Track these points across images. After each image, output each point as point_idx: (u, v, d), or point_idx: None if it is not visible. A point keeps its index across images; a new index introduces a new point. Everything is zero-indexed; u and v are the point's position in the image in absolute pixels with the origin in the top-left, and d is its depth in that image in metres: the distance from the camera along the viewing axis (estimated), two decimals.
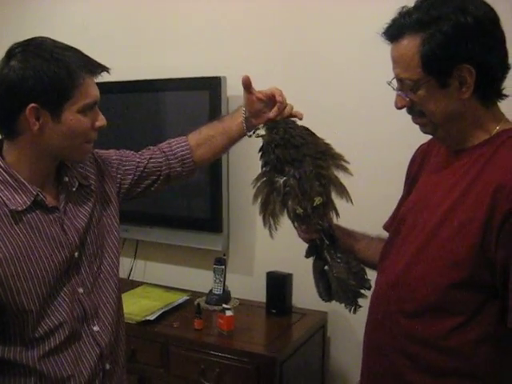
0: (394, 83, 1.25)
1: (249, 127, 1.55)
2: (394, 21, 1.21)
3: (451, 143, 1.28)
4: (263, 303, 2.35)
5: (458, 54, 1.15)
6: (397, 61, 1.22)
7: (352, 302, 1.47)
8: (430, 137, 1.36)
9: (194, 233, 2.51)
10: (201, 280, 2.57)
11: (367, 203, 2.10)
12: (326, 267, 1.49)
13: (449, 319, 1.17)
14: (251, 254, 2.51)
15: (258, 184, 1.47)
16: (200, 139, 1.60)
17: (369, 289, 1.45)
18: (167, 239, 2.61)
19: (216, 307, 2.31)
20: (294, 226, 1.50)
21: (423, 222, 1.26)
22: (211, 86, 2.35)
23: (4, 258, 1.22)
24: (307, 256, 1.55)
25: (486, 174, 1.17)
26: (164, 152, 1.58)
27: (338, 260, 1.47)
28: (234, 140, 1.60)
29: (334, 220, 1.50)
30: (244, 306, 2.39)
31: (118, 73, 2.46)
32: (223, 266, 2.39)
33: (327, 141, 1.50)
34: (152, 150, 1.59)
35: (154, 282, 2.67)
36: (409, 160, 1.48)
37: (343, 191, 1.45)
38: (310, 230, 1.49)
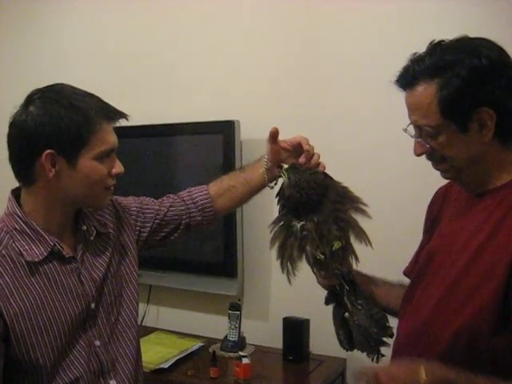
0: (410, 130, 1.24)
1: (270, 178, 1.53)
2: (407, 68, 1.20)
3: (473, 187, 1.26)
4: (279, 349, 2.29)
5: (477, 98, 1.14)
6: (413, 108, 1.21)
7: (374, 351, 1.43)
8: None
9: (208, 277, 2.47)
10: (215, 326, 2.52)
11: (386, 247, 2.05)
12: (346, 314, 1.45)
13: (478, 367, 1.13)
14: (267, 298, 2.46)
15: (275, 228, 1.44)
16: (221, 189, 1.58)
17: (391, 337, 1.41)
18: (180, 284, 2.57)
19: (231, 354, 2.26)
20: (313, 271, 1.47)
21: (447, 267, 1.22)
22: (225, 130, 2.35)
23: (20, 312, 1.19)
24: (327, 303, 1.52)
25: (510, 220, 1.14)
26: (184, 200, 1.56)
27: (359, 307, 1.44)
28: (254, 190, 1.58)
29: (354, 265, 1.47)
30: (260, 353, 2.33)
31: (131, 118, 2.54)
32: (238, 312, 2.34)
33: (345, 184, 1.48)
34: (172, 197, 1.58)
35: (168, 328, 2.62)
36: (428, 203, 1.46)
37: (362, 235, 1.42)
38: (330, 276, 1.45)
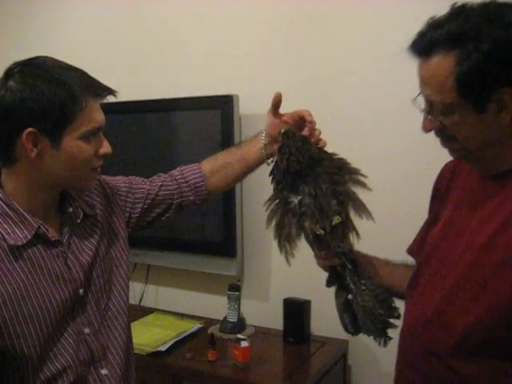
0: (419, 101, 1.13)
1: (268, 154, 1.45)
2: (423, 34, 1.07)
3: (485, 168, 1.16)
4: (280, 331, 2.23)
5: (499, 76, 1.01)
6: (427, 81, 1.08)
7: (382, 334, 1.34)
8: None
9: (207, 257, 2.40)
10: (214, 306, 2.46)
11: (388, 222, 2.00)
12: (349, 296, 1.37)
13: (490, 363, 1.06)
14: (267, 279, 2.40)
15: (271, 206, 1.36)
16: (215, 166, 1.50)
17: (398, 318, 1.32)
18: (179, 264, 2.50)
19: (231, 336, 2.20)
20: (313, 250, 1.40)
21: (458, 253, 1.14)
22: (223, 105, 2.26)
23: (3, 299, 1.12)
24: (328, 285, 1.44)
25: None
26: (176, 179, 1.49)
27: (363, 287, 1.35)
28: (251, 167, 1.50)
29: (355, 242, 1.39)
30: (260, 334, 2.28)
31: (127, 92, 2.44)
32: (238, 293, 2.28)
33: (341, 156, 1.39)
34: (163, 177, 1.50)
35: (166, 309, 2.57)
36: (434, 173, 1.36)
37: (362, 208, 1.33)
38: (330, 255, 1.37)
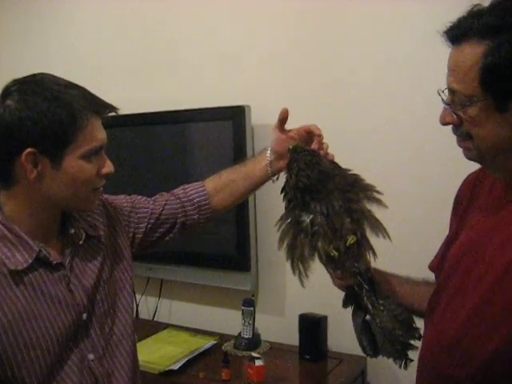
0: (446, 95, 1.07)
1: (274, 171, 1.42)
2: (460, 21, 1.03)
3: (506, 176, 1.09)
4: (296, 347, 2.16)
5: None
6: (452, 68, 1.04)
7: (402, 356, 1.28)
8: (478, 165, 1.18)
9: (221, 271, 2.35)
10: (229, 321, 2.40)
11: (406, 240, 1.94)
12: (367, 317, 1.31)
13: None
14: (282, 293, 2.34)
15: (283, 226, 1.31)
16: (219, 184, 1.47)
17: (419, 339, 1.26)
18: (192, 278, 2.45)
19: (245, 353, 2.15)
20: (328, 271, 1.34)
21: (480, 271, 1.07)
22: (235, 116, 2.21)
23: (2, 326, 1.07)
24: (345, 305, 1.37)
25: None
26: (179, 198, 1.44)
27: (381, 308, 1.29)
28: (256, 185, 1.46)
29: (372, 262, 1.34)
30: (275, 351, 2.22)
31: (138, 105, 2.42)
32: (252, 308, 2.22)
33: (355, 172, 1.33)
34: (166, 196, 1.46)
35: (180, 324, 2.51)
36: (453, 189, 1.30)
37: (378, 227, 1.27)
38: (346, 275, 1.31)
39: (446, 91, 1.07)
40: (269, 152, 1.42)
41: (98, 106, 1.15)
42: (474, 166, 1.22)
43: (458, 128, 1.07)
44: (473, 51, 0.99)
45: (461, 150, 1.12)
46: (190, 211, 1.44)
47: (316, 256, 1.27)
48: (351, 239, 1.24)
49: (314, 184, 1.26)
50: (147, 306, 2.69)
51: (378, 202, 1.28)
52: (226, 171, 1.50)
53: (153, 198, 1.45)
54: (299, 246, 1.27)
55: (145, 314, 2.69)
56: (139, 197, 1.44)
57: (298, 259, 1.27)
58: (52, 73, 1.17)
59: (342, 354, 2.14)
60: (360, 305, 1.32)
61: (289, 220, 1.29)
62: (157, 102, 2.42)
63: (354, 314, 1.35)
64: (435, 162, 1.95)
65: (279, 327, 2.34)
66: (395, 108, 2.04)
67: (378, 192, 1.29)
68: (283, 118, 1.42)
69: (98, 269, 1.23)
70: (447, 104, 1.07)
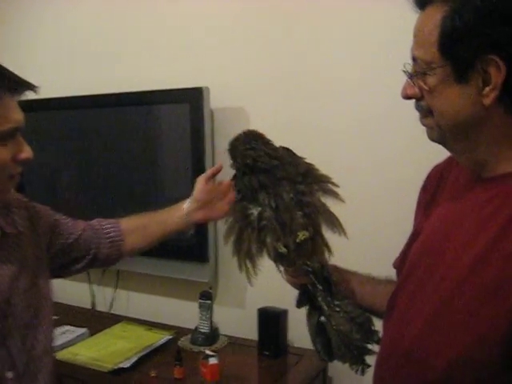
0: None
1: (190, 221, 1.39)
2: None
3: (470, 161, 0.99)
4: (255, 341, 2.07)
5: (487, 39, 0.87)
6: (415, 33, 0.96)
7: (358, 361, 1.20)
8: (446, 154, 1.08)
9: (178, 262, 2.23)
10: (187, 314, 2.28)
11: (366, 236, 1.84)
12: (322, 318, 1.22)
13: None
14: (243, 285, 2.23)
15: (229, 219, 1.20)
16: (134, 225, 1.43)
17: (377, 343, 1.17)
18: (149, 269, 2.32)
19: (202, 348, 2.04)
20: (278, 268, 1.24)
21: (442, 271, 0.96)
22: (192, 98, 2.07)
23: None
24: (299, 305, 1.28)
25: None
26: (96, 229, 1.39)
27: (337, 309, 1.20)
28: (171, 233, 1.45)
29: (328, 259, 1.23)
30: (233, 346, 2.12)
31: (91, 86, 2.27)
32: (209, 301, 2.11)
33: (311, 161, 1.24)
34: (83, 223, 1.39)
35: (138, 316, 2.40)
36: (418, 181, 1.19)
37: (334, 222, 1.18)
38: (298, 273, 1.21)
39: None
40: (188, 202, 1.39)
41: (13, 83, 1.02)
42: None
43: (419, 102, 0.99)
44: (434, 14, 0.91)
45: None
46: (103, 244, 1.38)
47: (264, 252, 1.18)
48: (302, 235, 1.15)
49: (262, 168, 1.16)
50: (104, 296, 2.57)
51: (334, 194, 1.18)
52: (144, 214, 1.47)
53: (73, 221, 1.38)
54: (246, 241, 1.17)
55: (101, 305, 2.57)
56: (63, 216, 1.37)
57: (244, 255, 1.18)
58: None
59: (303, 349, 2.03)
60: (314, 305, 1.23)
61: (236, 212, 1.19)
62: (107, 83, 2.28)
63: (308, 315, 1.26)
64: (403, 156, 1.85)
65: (239, 321, 2.23)
66: (360, 96, 1.93)
67: (334, 184, 1.20)
68: (215, 173, 1.40)
69: (15, 272, 1.09)
70: (409, 75, 0.98)
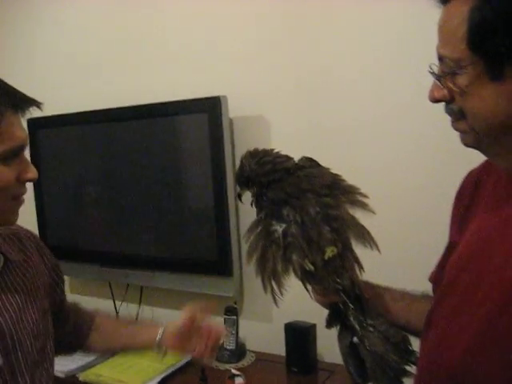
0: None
1: (161, 348, 1.27)
2: None
3: (509, 164, 0.90)
4: (283, 357, 1.99)
5: None
6: (440, 31, 0.87)
7: (394, 383, 1.10)
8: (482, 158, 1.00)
9: (202, 277, 2.16)
10: None
11: (399, 251, 1.75)
12: (355, 339, 1.12)
13: None
14: (269, 299, 2.12)
15: (251, 237, 1.13)
16: (106, 325, 1.34)
17: (415, 364, 1.07)
18: (172, 284, 2.27)
19: (228, 365, 1.97)
20: (305, 287, 1.16)
21: (486, 286, 0.88)
22: (210, 108, 2.01)
23: None
24: (329, 326, 1.19)
25: None
26: (69, 308, 1.32)
27: (371, 328, 1.11)
28: (137, 349, 1.39)
29: (359, 276, 1.15)
30: (261, 363, 2.04)
31: (106, 100, 2.23)
32: (235, 317, 2.04)
33: (335, 171, 1.16)
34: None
35: None
36: (453, 189, 1.11)
37: (364, 236, 1.09)
38: (327, 292, 1.13)
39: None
40: (163, 329, 1.30)
41: (18, 100, 0.97)
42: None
43: (449, 105, 0.90)
44: (460, 7, 0.82)
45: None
46: (67, 322, 1.29)
47: (291, 271, 1.10)
48: (330, 251, 1.07)
49: (281, 180, 1.09)
50: (129, 313, 2.52)
51: (363, 206, 1.10)
52: (120, 320, 1.47)
53: None
54: (271, 259, 1.09)
55: None
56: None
57: (269, 275, 1.10)
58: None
59: (333, 364, 1.95)
60: (346, 325, 1.14)
61: (258, 229, 1.12)
62: (125, 95, 2.23)
63: (339, 335, 1.17)
64: (434, 159, 1.76)
65: (266, 336, 2.16)
66: (382, 101, 1.85)
67: (362, 195, 1.12)
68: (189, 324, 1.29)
69: (20, 303, 1.04)
70: (437, 77, 0.89)
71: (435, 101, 0.91)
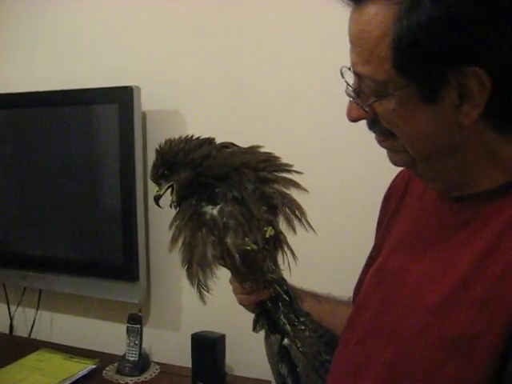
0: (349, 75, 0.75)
1: None
2: None
3: (443, 186, 0.80)
4: (190, 369, 1.85)
5: (462, 48, 0.63)
6: (354, 42, 0.70)
7: None
8: None
9: (106, 282, 1.99)
10: (115, 338, 2.05)
11: (334, 234, 1.64)
12: (285, 341, 1.01)
13: None
14: (177, 306, 2.01)
15: (178, 221, 0.98)
16: None
17: None
18: (74, 288, 2.08)
19: (129, 379, 1.81)
20: (233, 284, 1.04)
21: (400, 311, 0.78)
22: (121, 98, 1.86)
23: None
24: (256, 329, 1.06)
25: (509, 248, 0.68)
26: None
27: (302, 327, 1.00)
28: None
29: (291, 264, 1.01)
30: (166, 375, 1.89)
31: (9, 84, 2.04)
32: (138, 326, 1.88)
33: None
34: None
35: (61, 341, 2.14)
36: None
37: (302, 214, 0.96)
38: (258, 286, 0.99)
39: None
40: None
41: None
42: None
43: (372, 123, 0.76)
44: (380, 15, 0.66)
45: None
46: None
47: (225, 257, 0.94)
48: (270, 231, 0.94)
49: (215, 157, 0.98)
50: (25, 318, 2.30)
51: (297, 185, 0.97)
52: None
53: None
54: (200, 244, 0.94)
55: (22, 329, 2.30)
56: None
57: (198, 263, 0.94)
58: None
59: (243, 378, 1.84)
60: (275, 326, 1.02)
61: (188, 214, 0.96)
62: (28, 81, 2.05)
63: (267, 339, 1.04)
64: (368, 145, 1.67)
65: (173, 346, 2.02)
66: (308, 101, 1.76)
67: (296, 172, 0.98)
68: None
69: None
70: (353, 94, 0.75)
71: (354, 121, 0.77)
